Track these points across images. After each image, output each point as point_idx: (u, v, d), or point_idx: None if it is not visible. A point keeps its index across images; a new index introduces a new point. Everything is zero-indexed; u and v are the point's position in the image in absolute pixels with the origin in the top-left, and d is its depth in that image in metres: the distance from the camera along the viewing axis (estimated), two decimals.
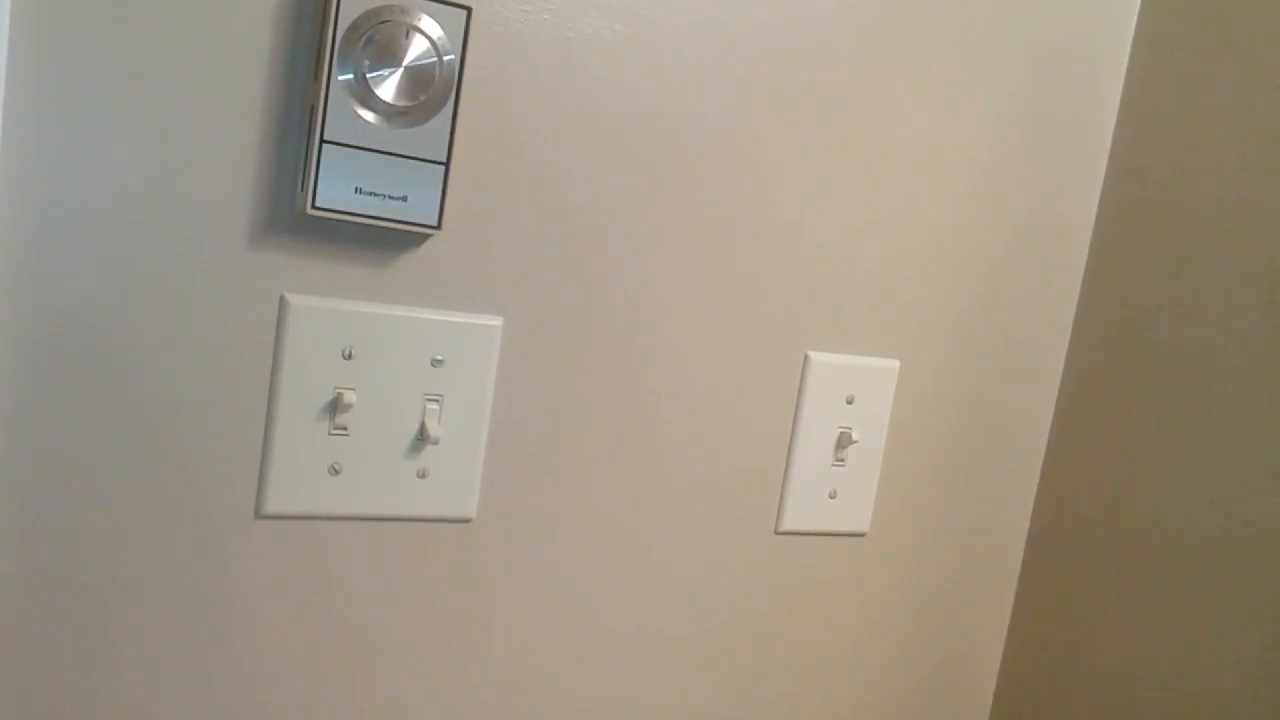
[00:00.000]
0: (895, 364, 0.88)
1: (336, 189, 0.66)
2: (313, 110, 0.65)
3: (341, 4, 0.64)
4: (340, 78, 0.64)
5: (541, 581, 0.79)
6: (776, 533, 0.87)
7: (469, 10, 0.67)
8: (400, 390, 0.72)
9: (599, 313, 0.77)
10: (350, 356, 0.70)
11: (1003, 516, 0.96)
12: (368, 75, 0.65)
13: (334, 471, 0.71)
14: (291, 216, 0.68)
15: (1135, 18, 0.92)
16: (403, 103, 0.66)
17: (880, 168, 0.84)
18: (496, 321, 0.74)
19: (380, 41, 0.64)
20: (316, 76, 0.65)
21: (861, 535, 0.90)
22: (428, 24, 0.66)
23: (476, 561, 0.77)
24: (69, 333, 0.64)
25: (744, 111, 0.79)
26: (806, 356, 0.85)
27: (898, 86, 0.84)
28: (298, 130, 0.67)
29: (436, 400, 0.73)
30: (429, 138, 0.67)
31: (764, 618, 0.88)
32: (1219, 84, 0.85)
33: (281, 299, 0.68)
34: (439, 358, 0.73)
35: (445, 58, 0.66)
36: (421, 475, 0.74)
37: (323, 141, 0.65)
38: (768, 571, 0.87)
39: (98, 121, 0.63)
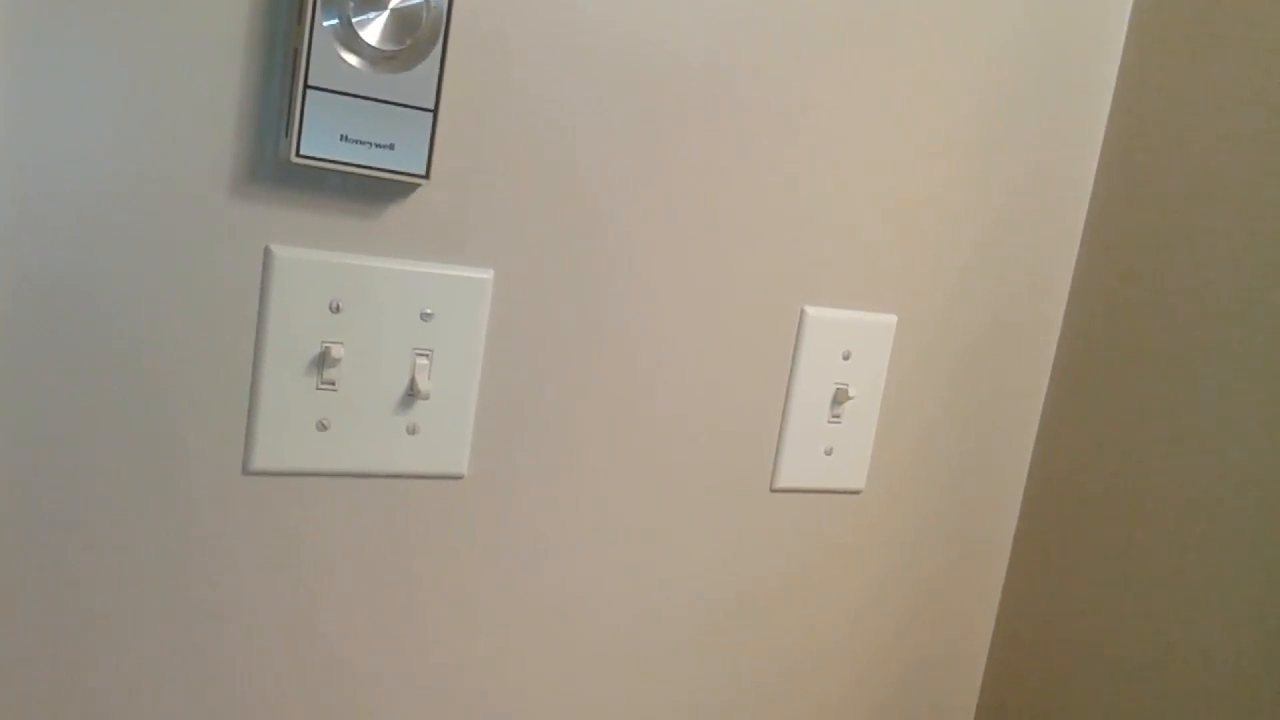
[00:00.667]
0: (893, 319, 0.87)
1: (321, 137, 0.64)
2: (295, 54, 0.63)
3: None
4: (325, 22, 0.62)
5: (532, 540, 0.78)
6: (772, 490, 0.86)
7: None
8: (389, 344, 0.71)
9: (592, 265, 0.76)
10: (338, 310, 0.69)
11: (999, 474, 0.96)
12: (353, 18, 0.63)
13: (322, 427, 0.70)
14: (275, 165, 0.66)
15: None
16: (389, 46, 0.64)
17: (878, 121, 0.83)
18: (487, 274, 0.73)
19: None
20: (300, 20, 0.63)
21: (858, 493, 0.89)
22: None
23: (467, 519, 0.76)
24: (51, 289, 0.62)
25: (743, 58, 0.77)
26: (803, 311, 0.83)
27: (897, 37, 0.82)
28: (281, 76, 0.65)
29: (426, 355, 0.72)
30: (416, 83, 0.65)
31: (760, 577, 0.87)
32: (1223, 46, 0.83)
33: (266, 250, 0.67)
34: (428, 311, 0.71)
35: (433, 0, 0.64)
36: (411, 431, 0.72)
37: (306, 87, 0.63)
38: (763, 529, 0.86)
39: (75, 71, 0.61)
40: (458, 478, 0.75)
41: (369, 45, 0.63)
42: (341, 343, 0.69)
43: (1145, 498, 0.86)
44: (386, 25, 0.63)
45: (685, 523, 0.83)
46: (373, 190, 0.69)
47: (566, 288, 0.75)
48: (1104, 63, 0.91)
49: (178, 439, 0.67)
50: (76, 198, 0.62)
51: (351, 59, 0.63)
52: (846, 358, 0.86)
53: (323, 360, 0.69)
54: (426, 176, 0.67)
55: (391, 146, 0.66)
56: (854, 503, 0.90)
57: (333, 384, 0.70)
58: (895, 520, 0.92)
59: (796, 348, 0.84)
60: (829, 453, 0.87)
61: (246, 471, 0.69)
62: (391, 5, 0.63)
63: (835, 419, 0.87)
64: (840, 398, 0.86)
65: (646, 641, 0.84)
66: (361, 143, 0.65)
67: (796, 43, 0.78)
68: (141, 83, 0.62)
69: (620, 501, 0.81)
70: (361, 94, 0.64)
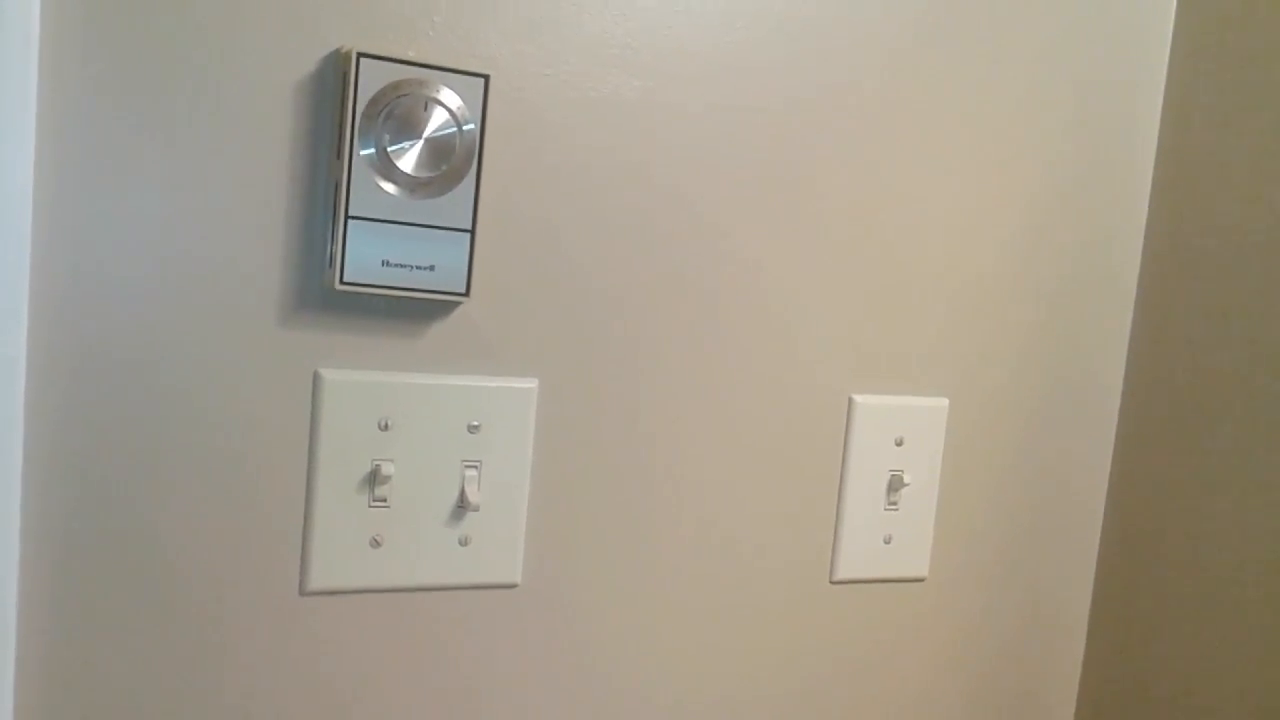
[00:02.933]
0: (944, 403, 0.86)
1: (364, 263, 0.66)
2: (336, 186, 0.66)
3: (361, 80, 0.64)
4: (362, 152, 0.65)
5: (590, 645, 0.78)
6: (832, 582, 0.85)
7: (486, 78, 0.67)
8: (438, 458, 0.72)
9: (635, 368, 0.76)
10: (386, 428, 0.70)
11: (1068, 554, 0.93)
12: (389, 149, 0.65)
13: (375, 544, 0.71)
14: (321, 292, 0.68)
15: (1168, 53, 0.89)
16: (425, 174, 0.66)
17: (924, 207, 0.83)
18: (531, 384, 0.74)
19: (400, 115, 0.65)
20: (339, 153, 0.66)
21: (921, 580, 0.88)
22: (446, 95, 0.66)
23: (523, 627, 0.76)
24: (109, 418, 0.65)
25: (775, 156, 0.78)
26: (851, 400, 0.83)
27: (944, 126, 0.82)
28: (323, 206, 0.67)
29: (475, 466, 0.73)
30: (453, 206, 0.67)
31: (823, 671, 0.85)
32: (1254, 116, 0.82)
33: (315, 374, 0.69)
34: (475, 423, 0.72)
35: (465, 127, 0.66)
36: (463, 543, 0.73)
37: (348, 217, 0.65)
38: (825, 623, 0.85)
39: (128, 208, 0.64)
40: (512, 586, 0.75)
41: (405, 173, 0.65)
42: (392, 460, 0.71)
43: (1220, 564, 0.83)
44: (421, 154, 0.65)
45: (745, 621, 0.82)
46: (415, 310, 0.70)
47: (611, 392, 0.76)
48: (1142, 143, 0.90)
49: (236, 561, 0.68)
50: (133, 334, 0.64)
51: (389, 187, 0.66)
52: (900, 444, 0.85)
53: (374, 478, 0.70)
54: (467, 294, 0.69)
55: (432, 268, 0.68)
56: (917, 590, 0.88)
57: (384, 501, 0.71)
58: (961, 605, 0.89)
59: (847, 436, 0.83)
60: (888, 541, 0.86)
61: (304, 592, 0.70)
62: (425, 134, 0.65)
63: (892, 506, 0.85)
64: (896, 484, 0.85)
65: None
66: (403, 266, 0.67)
67: (837, 137, 0.79)
68: (193, 219, 0.65)
69: (677, 603, 0.80)
70: (400, 220, 0.66)
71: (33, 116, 0.60)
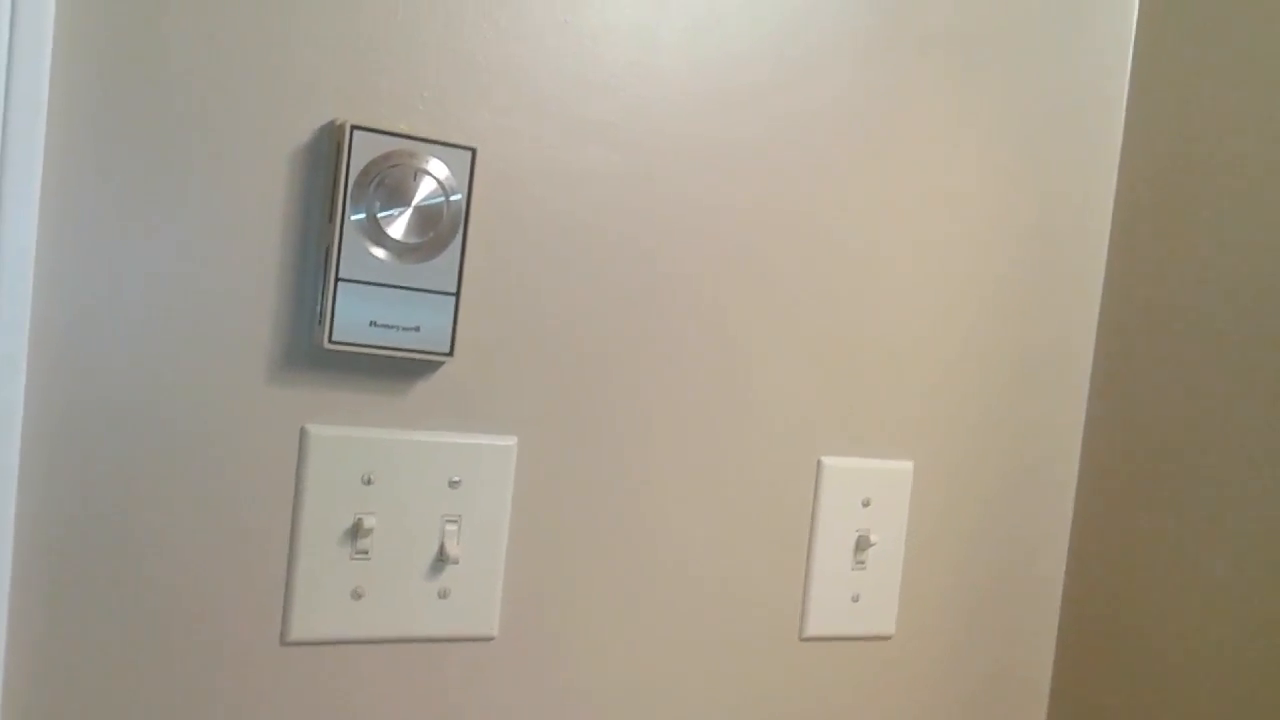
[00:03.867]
0: (909, 465, 0.89)
1: (352, 323, 0.69)
2: (328, 250, 0.69)
3: (354, 150, 0.68)
4: (353, 218, 0.68)
5: (563, 698, 0.80)
6: (801, 639, 0.87)
7: (474, 151, 0.70)
8: (419, 512, 0.74)
9: (611, 429, 0.79)
10: (369, 482, 0.73)
11: (1031, 614, 0.96)
12: (379, 215, 0.68)
13: (356, 595, 0.73)
14: (310, 350, 0.71)
15: (1122, 131, 0.95)
16: (413, 240, 0.69)
17: (893, 279, 0.87)
18: (511, 441, 0.76)
19: (390, 184, 0.68)
20: (331, 218, 0.69)
21: (887, 638, 0.90)
22: (435, 166, 0.69)
23: (499, 679, 0.78)
24: (100, 462, 0.67)
25: (745, 225, 0.82)
26: (820, 462, 0.86)
27: (911, 200, 0.86)
28: (314, 268, 0.71)
29: (455, 521, 0.75)
30: (439, 271, 0.71)
31: None
32: (1215, 182, 0.87)
33: (302, 430, 0.71)
34: (456, 479, 0.75)
35: (452, 197, 0.70)
36: (443, 595, 0.75)
37: (338, 279, 0.68)
38: (794, 679, 0.87)
39: (122, 267, 0.66)
40: (489, 639, 0.77)
41: (394, 239, 0.69)
42: (374, 513, 0.73)
43: (1179, 626, 0.85)
44: (410, 221, 0.69)
45: (715, 676, 0.84)
46: (401, 369, 0.73)
47: (587, 451, 0.79)
48: (1099, 213, 0.94)
49: (217, 611, 0.70)
50: (124, 379, 0.67)
51: (378, 252, 0.69)
52: (866, 504, 0.88)
53: (356, 531, 0.72)
54: (451, 354, 0.72)
55: (418, 329, 0.71)
56: (884, 648, 0.90)
57: (366, 553, 0.73)
58: (926, 664, 0.92)
59: (816, 498, 0.86)
60: (856, 599, 0.88)
61: (285, 641, 0.72)
62: (415, 203, 0.69)
63: (860, 565, 0.88)
64: (863, 544, 0.87)
65: None
66: (390, 327, 0.70)
67: (798, 206, 0.83)
68: (186, 278, 0.68)
69: (649, 658, 0.82)
70: (388, 282, 0.69)
71: (39, 168, 0.63)
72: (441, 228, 0.70)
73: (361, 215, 0.68)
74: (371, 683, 0.74)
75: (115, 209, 0.66)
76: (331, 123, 0.70)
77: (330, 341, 0.69)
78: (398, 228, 0.69)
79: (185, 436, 0.69)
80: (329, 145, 0.70)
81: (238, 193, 0.68)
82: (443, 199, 0.69)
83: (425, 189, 0.69)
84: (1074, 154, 0.93)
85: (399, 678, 0.75)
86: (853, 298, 0.86)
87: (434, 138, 0.70)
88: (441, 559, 0.75)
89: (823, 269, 0.84)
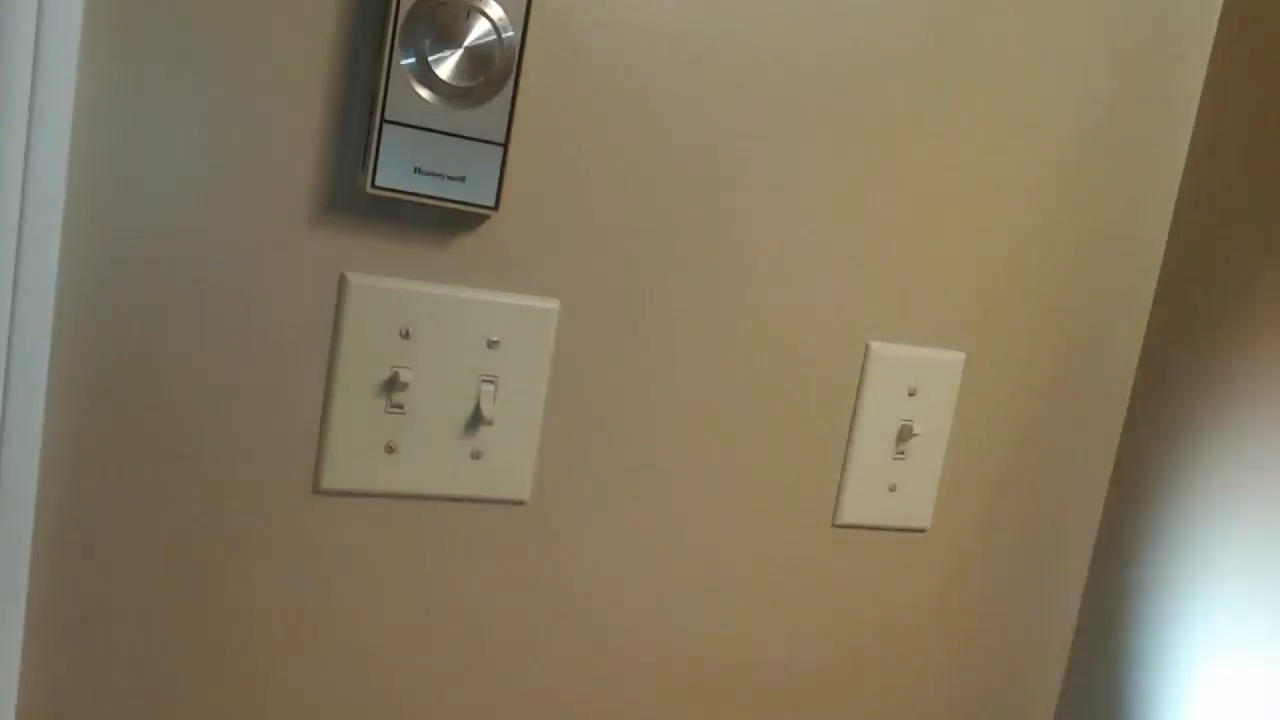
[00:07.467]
0: (960, 356, 0.86)
1: (396, 169, 0.66)
2: (374, 90, 0.66)
3: None
4: (402, 60, 0.65)
5: (591, 566, 0.79)
6: (834, 525, 0.86)
7: None
8: (456, 371, 0.72)
9: (656, 297, 0.77)
10: (408, 336, 0.71)
11: (1070, 518, 0.94)
12: (428, 56, 0.65)
13: (390, 450, 0.72)
14: (352, 196, 0.69)
15: (1214, 28, 0.88)
16: (463, 83, 0.66)
17: (952, 156, 0.82)
18: (553, 304, 0.74)
19: (441, 22, 0.65)
20: (378, 57, 0.66)
21: (922, 531, 0.89)
22: (489, 4, 0.66)
23: (527, 543, 0.77)
24: (135, 309, 0.66)
25: (809, 94, 0.78)
26: (868, 346, 0.83)
27: (981, 79, 0.82)
28: (360, 111, 0.68)
29: (492, 381, 0.74)
30: (488, 118, 0.68)
31: (820, 611, 0.86)
32: None
33: (342, 278, 0.69)
34: (495, 339, 0.73)
35: (505, 35, 0.66)
36: (476, 456, 0.74)
37: (384, 121, 0.65)
38: (824, 564, 0.86)
39: (164, 105, 0.64)
40: (520, 503, 0.76)
41: (443, 81, 0.66)
42: (411, 368, 0.71)
43: (1222, 534, 0.83)
44: (460, 62, 0.66)
45: (744, 553, 0.83)
46: (444, 221, 0.71)
47: (630, 319, 0.76)
48: (1181, 107, 0.89)
49: (252, 457, 0.70)
50: (162, 226, 0.65)
51: (426, 94, 0.66)
52: (912, 394, 0.85)
53: (392, 385, 0.71)
54: (496, 208, 0.69)
55: (463, 179, 0.68)
56: (918, 541, 0.89)
57: (401, 408, 0.72)
58: (961, 561, 0.90)
59: (861, 383, 0.84)
60: (893, 489, 0.86)
61: (317, 490, 0.71)
62: (466, 43, 0.65)
63: (900, 455, 0.86)
64: (905, 434, 0.85)
65: (705, 670, 0.84)
66: (434, 175, 0.67)
67: (872, 80, 0.79)
68: (229, 118, 0.65)
69: (680, 531, 0.81)
70: (435, 128, 0.67)
71: (80, 8, 0.60)
72: (493, 71, 0.66)
73: (411, 56, 0.65)
74: (399, 536, 0.74)
75: (159, 47, 0.63)
76: None
77: (373, 186, 0.66)
78: (447, 69, 0.65)
79: (224, 278, 0.67)
80: None
81: (283, 28, 0.65)
82: (495, 39, 0.66)
83: (478, 29, 0.65)
84: (1160, 32, 0.87)
85: (427, 534, 0.75)
86: (917, 177, 0.82)
87: None
88: (476, 419, 0.73)
89: (888, 150, 0.80)
